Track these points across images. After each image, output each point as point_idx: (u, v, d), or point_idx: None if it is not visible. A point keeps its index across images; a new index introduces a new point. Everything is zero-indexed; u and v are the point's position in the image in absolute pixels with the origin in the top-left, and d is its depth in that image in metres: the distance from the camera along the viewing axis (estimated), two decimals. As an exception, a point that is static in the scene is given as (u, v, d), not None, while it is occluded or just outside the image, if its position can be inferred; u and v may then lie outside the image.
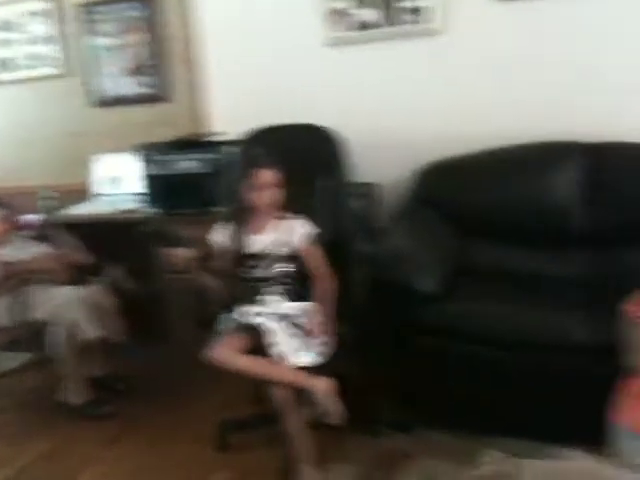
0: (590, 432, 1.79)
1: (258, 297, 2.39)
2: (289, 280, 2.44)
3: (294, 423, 2.24)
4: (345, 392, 2.82)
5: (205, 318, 2.49)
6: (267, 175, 2.33)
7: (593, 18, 2.87)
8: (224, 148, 3.12)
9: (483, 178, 2.94)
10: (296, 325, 2.32)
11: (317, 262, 2.44)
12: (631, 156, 2.75)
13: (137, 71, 3.79)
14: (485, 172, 2.95)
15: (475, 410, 2.53)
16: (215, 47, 3.56)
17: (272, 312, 2.33)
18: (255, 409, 2.67)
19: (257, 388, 2.58)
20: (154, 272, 3.28)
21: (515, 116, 3.06)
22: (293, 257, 2.44)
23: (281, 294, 2.41)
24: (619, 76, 2.87)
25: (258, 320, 2.30)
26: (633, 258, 2.63)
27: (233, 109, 3.52)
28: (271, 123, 2.97)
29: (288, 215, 2.45)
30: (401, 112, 3.27)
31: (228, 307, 2.44)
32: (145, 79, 3.78)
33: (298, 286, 2.46)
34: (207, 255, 2.45)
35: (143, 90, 3.79)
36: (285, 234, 2.42)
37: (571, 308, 2.35)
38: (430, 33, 3.12)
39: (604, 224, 2.70)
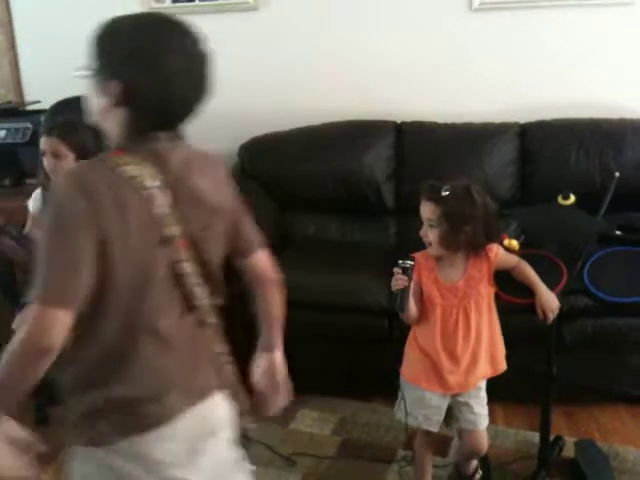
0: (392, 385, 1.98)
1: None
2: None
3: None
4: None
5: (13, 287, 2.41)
6: (45, 143, 2.24)
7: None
8: (35, 118, 3.00)
9: (300, 154, 3.07)
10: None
11: None
12: (427, 133, 3.02)
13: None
14: (302, 148, 3.08)
15: (290, 371, 2.66)
16: (26, 13, 3.38)
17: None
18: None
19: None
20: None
21: (333, 94, 3.21)
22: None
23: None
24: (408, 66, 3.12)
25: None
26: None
27: (47, 77, 3.35)
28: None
29: None
30: (223, 86, 3.27)
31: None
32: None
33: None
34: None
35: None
36: None
37: (372, 274, 2.55)
38: (245, 8, 3.19)
39: (406, 196, 2.95)
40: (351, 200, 3.03)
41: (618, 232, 2.16)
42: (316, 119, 3.12)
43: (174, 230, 1.14)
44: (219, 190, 1.24)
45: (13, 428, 1.10)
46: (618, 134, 2.83)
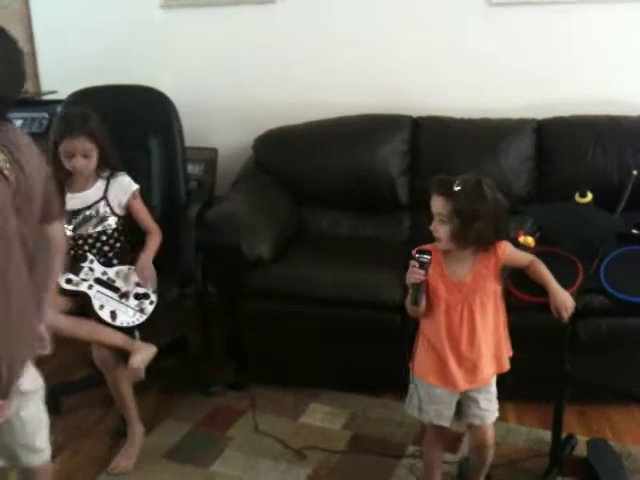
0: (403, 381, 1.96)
1: (78, 256, 2.38)
2: (109, 239, 2.43)
3: (117, 383, 2.28)
4: (182, 353, 2.89)
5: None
6: (74, 145, 2.29)
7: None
8: (52, 108, 3.00)
9: (315, 147, 3.05)
10: (114, 288, 2.33)
11: (144, 216, 2.49)
12: (443, 128, 3.00)
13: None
14: (317, 142, 3.07)
15: (302, 366, 2.69)
16: (44, 6, 3.40)
17: (92, 276, 2.33)
18: (89, 371, 2.65)
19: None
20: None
21: (349, 88, 3.20)
22: (115, 214, 2.44)
23: (100, 254, 2.40)
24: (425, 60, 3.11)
25: (79, 286, 2.30)
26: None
27: (64, 68, 3.37)
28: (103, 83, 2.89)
29: (107, 173, 2.43)
30: (239, 79, 3.30)
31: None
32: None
33: (118, 245, 2.45)
34: None
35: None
36: (106, 191, 2.42)
37: (385, 269, 2.54)
38: (262, 1, 3.18)
39: (421, 191, 2.93)
40: (365, 195, 3.01)
41: (635, 231, 2.13)
42: (331, 113, 3.10)
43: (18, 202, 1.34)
44: (36, 164, 1.39)
45: None
46: (637, 131, 2.80)
